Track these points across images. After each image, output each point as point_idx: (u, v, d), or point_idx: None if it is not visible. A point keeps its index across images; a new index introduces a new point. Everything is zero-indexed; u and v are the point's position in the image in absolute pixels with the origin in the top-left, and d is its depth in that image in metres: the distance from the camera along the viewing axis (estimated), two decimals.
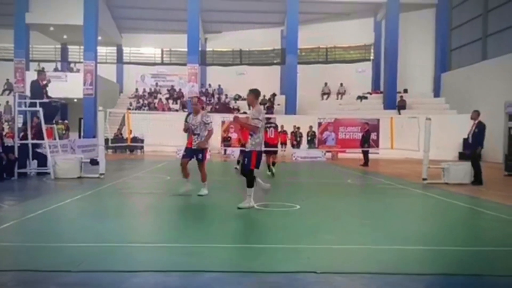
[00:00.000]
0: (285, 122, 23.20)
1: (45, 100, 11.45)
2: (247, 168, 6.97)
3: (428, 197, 9.21)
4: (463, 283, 3.78)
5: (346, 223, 6.34)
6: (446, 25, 27.60)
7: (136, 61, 34.92)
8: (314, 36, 31.14)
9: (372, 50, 31.96)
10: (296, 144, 23.45)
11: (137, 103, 30.53)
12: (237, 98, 31.01)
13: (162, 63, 35.14)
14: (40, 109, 11.09)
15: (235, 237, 5.48)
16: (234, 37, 33.83)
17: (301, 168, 17.46)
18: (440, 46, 27.89)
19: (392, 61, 27.18)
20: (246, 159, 7.01)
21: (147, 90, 32.84)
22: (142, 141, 21.91)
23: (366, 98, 29.19)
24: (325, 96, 30.74)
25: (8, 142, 11.23)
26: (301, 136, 23.76)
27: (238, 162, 13.91)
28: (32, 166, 11.70)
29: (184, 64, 29.01)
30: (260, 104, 28.77)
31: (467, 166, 11.37)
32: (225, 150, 22.95)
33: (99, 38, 28.15)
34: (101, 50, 31.05)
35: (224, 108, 29.07)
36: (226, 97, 31.04)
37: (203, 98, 30.76)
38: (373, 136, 21.49)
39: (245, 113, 25.43)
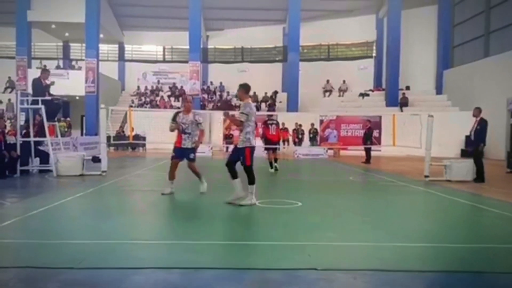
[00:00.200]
0: (287, 119, 23.17)
1: (47, 97, 11.46)
2: (243, 164, 7.00)
3: (430, 194, 9.19)
4: (465, 280, 3.77)
5: (348, 220, 6.34)
6: (448, 22, 27.50)
7: (138, 58, 34.92)
8: (316, 33, 31.11)
9: (374, 47, 31.91)
10: (298, 142, 23.44)
11: (139, 101, 30.54)
12: None
13: (164, 61, 35.13)
14: (42, 107, 11.11)
15: (236, 234, 5.48)
16: (236, 35, 33.79)
17: (303, 165, 17.45)
18: (442, 43, 27.81)
19: (394, 58, 27.11)
20: (241, 157, 7.01)
21: (149, 87, 32.85)
22: (144, 138, 21.92)
23: (368, 95, 29.15)
24: (327, 93, 30.69)
25: (10, 139, 11.26)
26: (303, 134, 23.75)
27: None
28: (34, 163, 11.72)
29: (186, 62, 28.99)
30: (262, 101, 28.67)
31: (469, 163, 11.34)
32: (227, 148, 22.96)
33: (101, 35, 28.15)
34: (103, 47, 31.04)
35: (225, 105, 29.04)
36: (228, 95, 31.01)
37: (205, 96, 30.81)
38: (375, 133, 21.48)
39: None
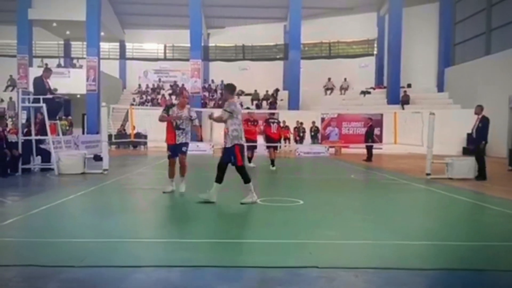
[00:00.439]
0: (288, 117, 23.19)
1: (49, 96, 11.46)
2: (234, 165, 6.95)
3: (432, 192, 9.19)
4: (466, 278, 3.77)
5: (349, 218, 6.34)
6: (450, 19, 27.43)
7: (139, 57, 34.91)
8: (317, 31, 31.02)
9: (375, 45, 31.83)
10: (299, 140, 23.43)
11: (140, 99, 30.54)
12: (240, 93, 30.94)
13: (165, 59, 35.09)
14: (44, 105, 11.12)
15: (238, 232, 5.48)
16: (237, 32, 33.74)
17: (304, 163, 17.45)
18: (444, 40, 27.75)
19: (396, 56, 27.04)
20: (231, 157, 6.93)
21: (150, 86, 32.83)
22: (145, 136, 21.93)
23: (369, 93, 29.10)
24: (328, 91, 30.64)
25: (11, 138, 11.27)
26: (304, 132, 23.73)
27: (248, 159, 13.98)
28: (36, 162, 11.72)
29: (187, 60, 28.96)
30: (263, 99, 28.54)
31: (471, 161, 11.32)
32: None
33: (102, 34, 28.13)
34: (104, 46, 30.99)
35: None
36: None
37: (206, 94, 30.78)
38: (376, 131, 21.45)
39: (248, 108, 25.50)
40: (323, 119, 24.65)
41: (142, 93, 31.67)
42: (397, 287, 3.50)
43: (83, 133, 26.07)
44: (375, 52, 31.88)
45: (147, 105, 28.45)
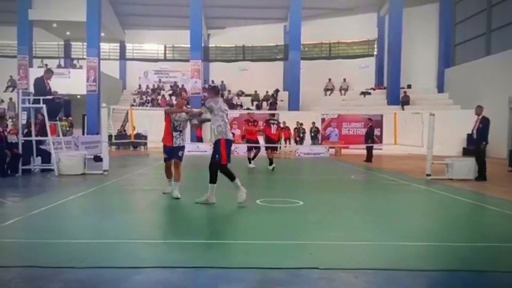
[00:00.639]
0: (288, 118, 23.18)
1: (49, 97, 11.46)
2: (219, 163, 6.81)
3: (432, 193, 9.19)
4: (466, 279, 3.77)
5: (349, 219, 6.34)
6: (450, 20, 27.43)
7: (139, 57, 34.89)
8: (317, 31, 31.02)
9: (375, 46, 31.81)
10: (299, 140, 23.44)
11: (140, 100, 30.53)
12: (240, 94, 30.97)
13: (165, 59, 35.07)
14: (44, 106, 11.12)
15: (238, 233, 5.48)
16: (237, 33, 33.73)
17: (304, 164, 17.45)
18: (444, 41, 27.74)
19: (396, 56, 27.05)
20: (217, 155, 6.80)
21: (150, 86, 32.83)
22: (145, 137, 21.92)
23: (369, 93, 29.10)
24: (328, 92, 30.65)
25: (12, 138, 11.28)
26: (304, 132, 23.73)
27: (248, 159, 14.11)
28: (36, 162, 11.73)
29: (187, 60, 28.97)
30: (263, 100, 28.49)
31: (471, 162, 11.33)
32: None
33: (102, 34, 28.13)
34: (104, 46, 31.00)
35: (227, 104, 29.01)
36: (229, 93, 31.00)
37: (206, 94, 30.78)
38: (376, 132, 21.46)
39: (248, 109, 25.51)
40: (323, 120, 24.65)
41: (142, 94, 31.67)
42: None
43: (83, 133, 26.07)
44: (375, 53, 31.87)
45: (147, 106, 28.44)
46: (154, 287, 3.48)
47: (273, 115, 15.66)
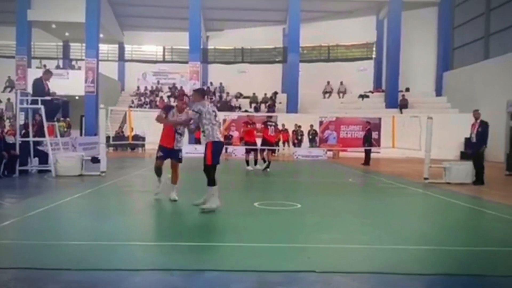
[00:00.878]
0: (287, 120, 23.20)
1: (47, 97, 11.44)
2: (204, 164, 6.64)
3: (429, 197, 9.19)
4: (464, 283, 3.77)
5: (347, 222, 6.34)
6: (449, 23, 27.52)
7: (137, 58, 34.90)
8: (316, 34, 31.08)
9: (374, 49, 31.88)
10: (298, 143, 23.45)
11: (138, 101, 30.51)
12: (239, 96, 30.98)
13: (164, 61, 35.11)
14: (42, 107, 11.10)
15: (236, 235, 5.46)
16: (236, 35, 33.77)
17: (302, 166, 17.44)
18: (443, 44, 27.82)
19: (394, 59, 27.12)
20: (204, 156, 6.65)
21: (149, 88, 32.85)
22: (143, 139, 21.91)
23: (367, 96, 29.13)
24: (326, 95, 30.68)
25: (9, 139, 11.25)
26: (302, 135, 23.74)
27: (246, 162, 14.18)
28: (33, 163, 11.69)
29: (186, 62, 28.99)
30: (261, 102, 28.49)
31: (468, 165, 11.34)
32: (226, 149, 22.94)
33: (101, 35, 28.15)
34: (103, 47, 31.02)
35: (225, 106, 29.05)
36: (228, 95, 31.01)
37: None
38: (374, 135, 21.48)
39: (246, 111, 25.53)
40: (321, 123, 24.66)
41: (140, 95, 31.66)
42: None
43: (81, 135, 26.05)
44: (373, 56, 31.93)
45: (145, 107, 28.43)
46: None
47: (271, 117, 15.72)
